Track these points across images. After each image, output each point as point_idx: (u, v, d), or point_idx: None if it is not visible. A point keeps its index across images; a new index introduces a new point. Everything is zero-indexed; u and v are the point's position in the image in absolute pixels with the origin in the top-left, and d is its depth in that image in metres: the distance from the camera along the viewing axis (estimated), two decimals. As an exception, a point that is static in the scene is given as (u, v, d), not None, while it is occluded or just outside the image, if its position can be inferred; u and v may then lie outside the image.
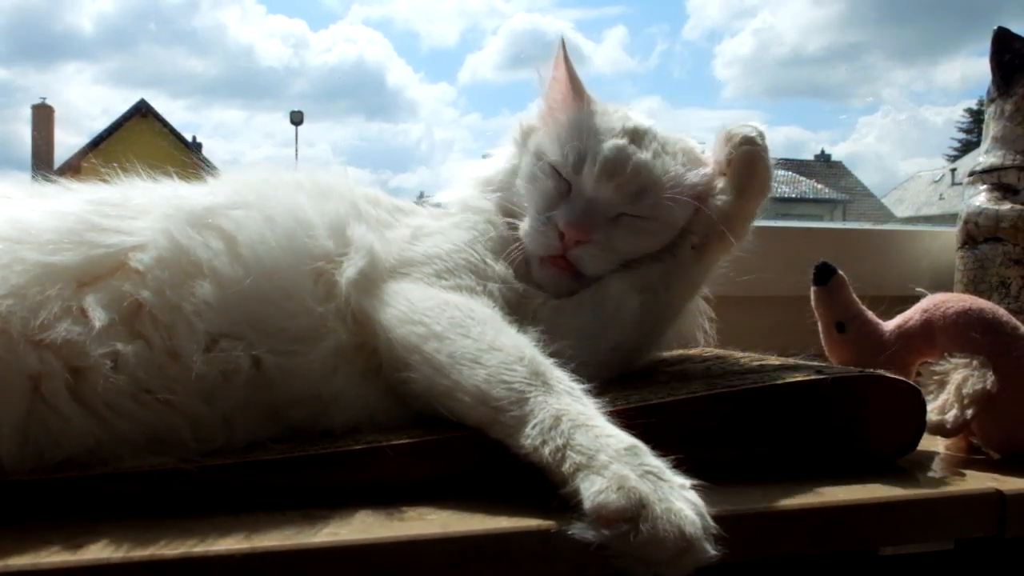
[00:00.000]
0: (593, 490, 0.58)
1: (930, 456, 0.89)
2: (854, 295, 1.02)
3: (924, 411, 0.82)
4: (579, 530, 0.58)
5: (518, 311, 0.82)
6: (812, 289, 1.04)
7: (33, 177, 0.85)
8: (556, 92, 0.94)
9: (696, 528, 0.57)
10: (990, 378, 0.85)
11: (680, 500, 0.58)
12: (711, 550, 0.57)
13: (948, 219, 1.55)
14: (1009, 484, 0.76)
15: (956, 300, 0.95)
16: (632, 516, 0.57)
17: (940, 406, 0.86)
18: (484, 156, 1.04)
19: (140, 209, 0.77)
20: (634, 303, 0.85)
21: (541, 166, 0.89)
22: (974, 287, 1.27)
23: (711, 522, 0.59)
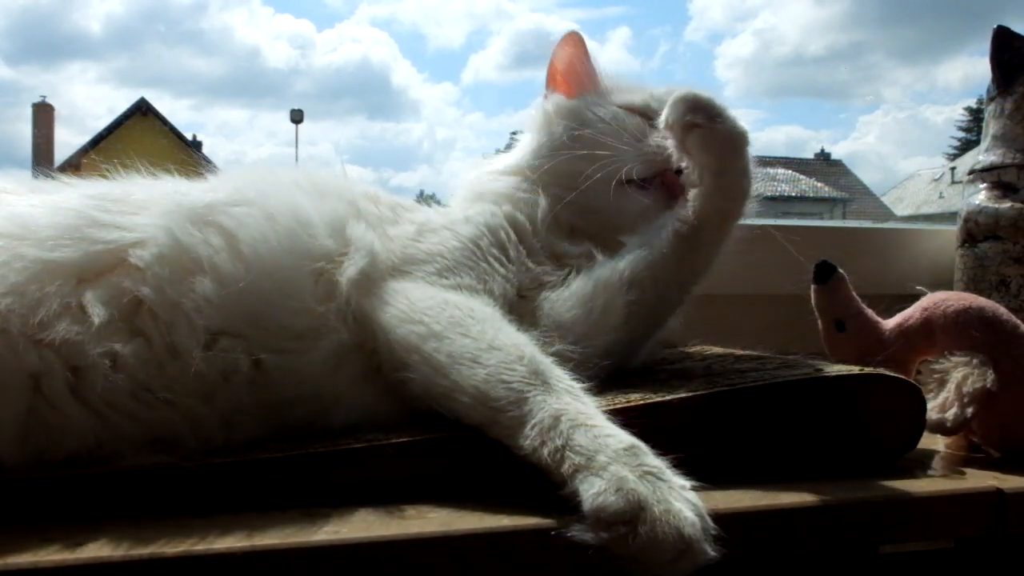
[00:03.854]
0: (592, 492, 0.58)
1: (930, 454, 0.89)
2: (854, 293, 1.02)
3: (924, 409, 0.82)
4: (578, 532, 0.58)
5: (518, 311, 0.82)
6: (812, 287, 1.04)
7: (33, 174, 0.85)
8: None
9: (695, 529, 0.57)
10: (990, 376, 0.85)
11: (679, 501, 0.58)
12: (710, 551, 0.57)
13: (948, 217, 1.55)
14: (1009, 482, 0.76)
15: (956, 298, 0.95)
16: (631, 518, 0.56)
17: (940, 404, 0.87)
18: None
19: (140, 205, 0.77)
20: (621, 300, 0.82)
21: (617, 112, 0.96)
22: (974, 285, 1.27)
23: (710, 522, 0.58)
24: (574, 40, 1.04)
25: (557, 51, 1.05)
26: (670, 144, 0.84)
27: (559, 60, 1.05)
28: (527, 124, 1.04)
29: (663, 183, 0.91)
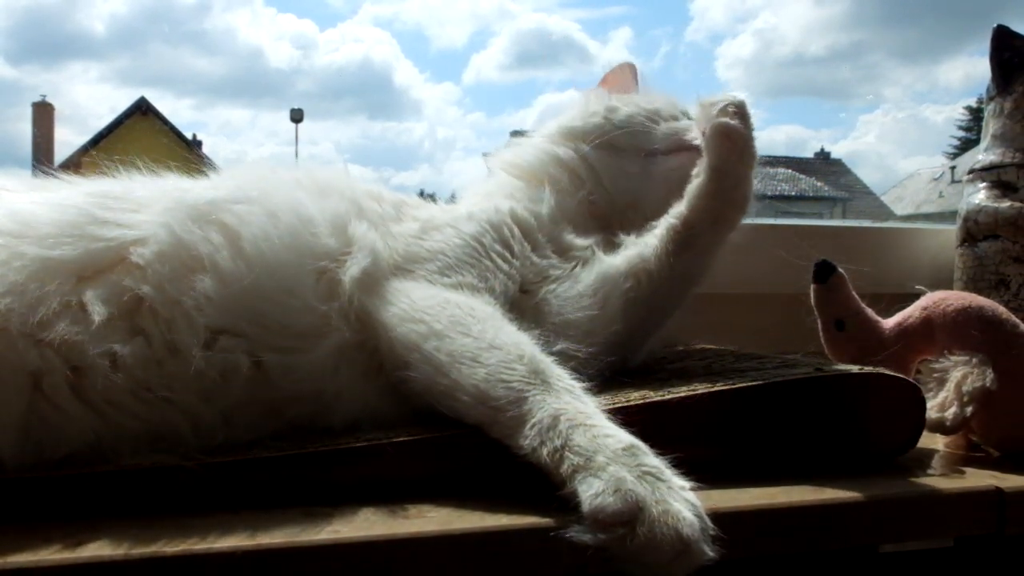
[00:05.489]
0: (590, 493, 0.58)
1: (930, 454, 0.89)
2: (854, 293, 1.02)
3: (924, 409, 0.82)
4: (577, 533, 0.58)
5: (520, 306, 0.82)
6: (812, 287, 1.04)
7: (33, 173, 0.85)
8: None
9: (694, 530, 0.57)
10: (990, 376, 0.85)
11: (678, 501, 0.58)
12: (709, 552, 0.57)
13: (948, 217, 1.54)
14: (1009, 481, 0.76)
15: (956, 298, 0.95)
16: (629, 519, 0.56)
17: (940, 404, 0.87)
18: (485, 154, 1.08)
19: (141, 202, 0.77)
20: (618, 291, 0.84)
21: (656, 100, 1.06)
22: (973, 285, 1.27)
23: (709, 523, 0.58)
24: (630, 67, 1.16)
25: (612, 71, 1.16)
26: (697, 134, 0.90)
27: (611, 73, 1.16)
28: (567, 107, 1.10)
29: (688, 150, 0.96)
